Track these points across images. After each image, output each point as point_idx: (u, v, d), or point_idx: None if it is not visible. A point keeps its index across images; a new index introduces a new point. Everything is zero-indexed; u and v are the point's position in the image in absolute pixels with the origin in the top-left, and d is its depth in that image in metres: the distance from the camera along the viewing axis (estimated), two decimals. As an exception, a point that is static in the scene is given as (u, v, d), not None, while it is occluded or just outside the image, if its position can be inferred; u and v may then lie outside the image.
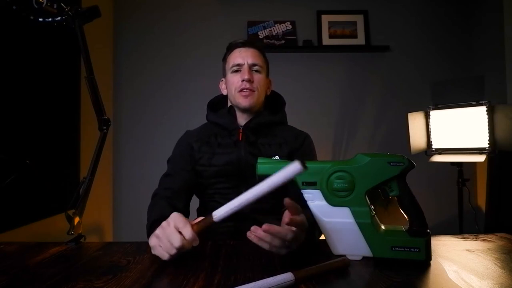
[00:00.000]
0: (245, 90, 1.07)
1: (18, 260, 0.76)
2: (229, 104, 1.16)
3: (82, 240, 0.91)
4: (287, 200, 0.68)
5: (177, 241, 0.67)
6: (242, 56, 1.09)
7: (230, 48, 1.14)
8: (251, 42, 1.14)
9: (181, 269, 0.67)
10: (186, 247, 0.68)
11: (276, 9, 2.40)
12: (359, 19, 2.40)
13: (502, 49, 2.11)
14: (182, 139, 1.15)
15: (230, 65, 1.11)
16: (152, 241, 0.71)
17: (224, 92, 1.17)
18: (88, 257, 0.78)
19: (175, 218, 0.70)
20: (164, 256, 0.69)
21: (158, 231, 0.71)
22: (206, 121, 1.19)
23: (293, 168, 0.58)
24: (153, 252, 0.72)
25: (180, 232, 0.67)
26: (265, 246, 0.67)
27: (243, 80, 1.07)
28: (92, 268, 0.69)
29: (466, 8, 2.45)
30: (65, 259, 0.76)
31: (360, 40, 2.38)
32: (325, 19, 2.40)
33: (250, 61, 1.09)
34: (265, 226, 0.65)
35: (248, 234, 0.66)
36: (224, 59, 1.16)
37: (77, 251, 0.83)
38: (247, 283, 0.56)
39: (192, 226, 0.68)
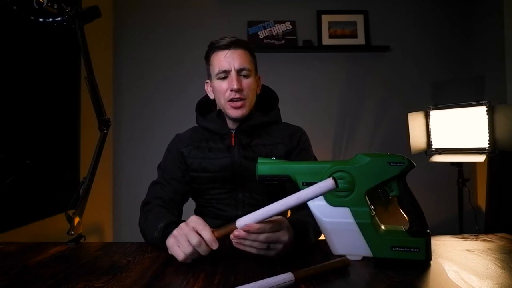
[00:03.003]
0: (235, 100, 1.00)
1: (18, 260, 0.76)
2: (218, 107, 1.09)
3: (82, 240, 0.91)
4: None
5: (194, 239, 0.67)
6: (228, 61, 1.00)
7: (213, 49, 1.04)
8: (236, 42, 1.02)
9: (181, 269, 0.67)
10: (205, 249, 0.68)
11: (276, 9, 2.40)
12: (359, 19, 2.40)
13: (502, 49, 2.11)
14: (172, 145, 1.11)
15: (216, 70, 1.02)
16: (170, 241, 0.72)
17: (211, 96, 1.09)
18: (88, 257, 0.78)
19: (195, 220, 0.71)
20: (180, 255, 0.69)
21: (176, 231, 0.72)
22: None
23: (325, 184, 0.61)
24: (170, 251, 0.72)
25: (199, 234, 0.69)
26: (252, 250, 0.68)
27: (231, 90, 0.99)
28: (92, 268, 0.69)
29: (466, 8, 2.45)
30: (65, 259, 0.76)
31: (360, 40, 2.38)
32: (325, 19, 2.40)
33: (237, 66, 1.00)
34: (232, 235, 0.67)
35: (234, 244, 0.68)
36: (207, 59, 1.07)
37: (77, 251, 0.83)
38: (247, 283, 0.56)
39: (212, 231, 0.69)
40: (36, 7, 0.94)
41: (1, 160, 1.22)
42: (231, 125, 1.07)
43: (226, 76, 1.01)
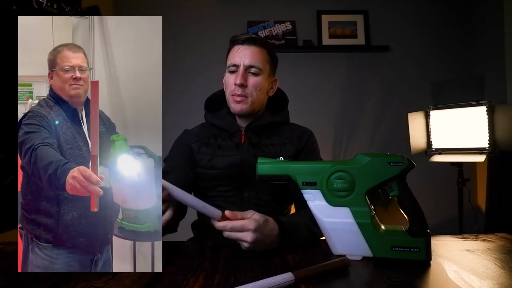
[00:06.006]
0: (237, 95, 1.02)
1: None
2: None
3: (82, 240, 0.91)
4: (227, 213, 0.74)
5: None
6: (240, 56, 1.02)
7: (232, 42, 1.06)
8: (252, 39, 1.03)
9: (181, 269, 0.67)
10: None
11: (276, 9, 2.40)
12: (359, 19, 2.40)
13: (502, 49, 2.11)
14: (181, 139, 1.13)
15: (228, 63, 1.05)
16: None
17: (224, 87, 1.12)
18: (88, 257, 0.78)
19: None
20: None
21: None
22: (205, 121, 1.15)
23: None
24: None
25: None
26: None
27: (235, 84, 1.01)
28: (92, 268, 0.69)
29: (466, 8, 2.45)
30: (65, 259, 0.76)
31: (360, 40, 2.38)
32: (325, 19, 2.40)
33: (246, 63, 1.01)
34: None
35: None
36: (228, 52, 1.09)
37: (77, 251, 0.83)
38: (247, 283, 0.56)
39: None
40: (36, 7, 0.94)
41: (1, 160, 1.22)
42: (240, 123, 1.08)
43: (236, 71, 1.02)
